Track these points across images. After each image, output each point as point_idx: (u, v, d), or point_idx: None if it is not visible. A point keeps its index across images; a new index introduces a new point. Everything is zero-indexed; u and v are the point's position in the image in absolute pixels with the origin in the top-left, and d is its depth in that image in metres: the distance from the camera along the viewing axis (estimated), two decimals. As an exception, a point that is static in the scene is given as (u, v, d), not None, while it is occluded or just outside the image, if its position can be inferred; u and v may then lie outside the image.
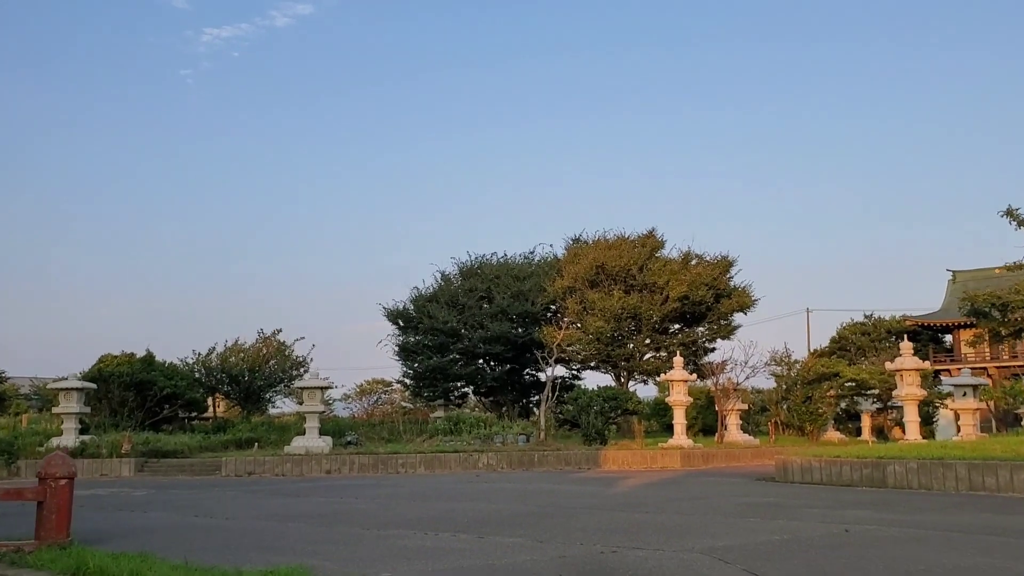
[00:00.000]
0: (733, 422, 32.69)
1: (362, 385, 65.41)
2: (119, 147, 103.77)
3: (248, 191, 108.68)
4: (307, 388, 29.04)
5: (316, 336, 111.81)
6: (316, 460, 26.70)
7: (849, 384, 36.25)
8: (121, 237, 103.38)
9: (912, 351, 25.95)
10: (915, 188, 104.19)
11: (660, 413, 38.08)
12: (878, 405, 41.47)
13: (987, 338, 42.10)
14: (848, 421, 41.02)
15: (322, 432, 30.15)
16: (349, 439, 30.00)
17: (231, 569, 8.04)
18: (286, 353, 37.82)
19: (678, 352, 31.90)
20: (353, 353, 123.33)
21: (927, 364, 28.21)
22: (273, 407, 40.26)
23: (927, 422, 35.97)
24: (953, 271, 54.96)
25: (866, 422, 41.62)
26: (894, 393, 25.92)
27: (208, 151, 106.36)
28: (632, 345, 38.40)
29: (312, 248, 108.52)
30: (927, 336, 54.27)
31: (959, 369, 36.09)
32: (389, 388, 59.89)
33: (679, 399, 28.64)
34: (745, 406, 34.33)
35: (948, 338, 54.77)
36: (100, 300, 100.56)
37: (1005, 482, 15.18)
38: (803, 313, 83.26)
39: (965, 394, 25.79)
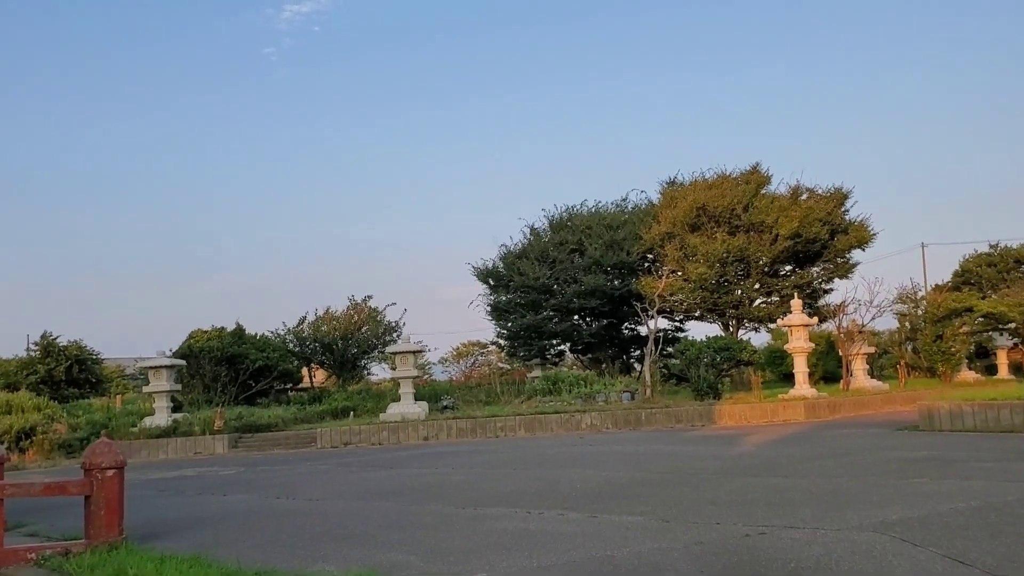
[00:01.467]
0: (859, 367, 30.15)
1: (458, 348, 64.71)
2: (208, 123, 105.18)
3: (333, 158, 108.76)
4: (399, 353, 27.89)
5: (410, 302, 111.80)
6: (412, 427, 25.57)
7: (982, 319, 33.12)
8: (204, 212, 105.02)
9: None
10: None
11: (775, 362, 35.69)
12: (1015, 340, 38.07)
13: None
14: (978, 359, 37.83)
15: (417, 397, 29.06)
16: (445, 403, 28.80)
17: (290, 573, 6.60)
18: (378, 319, 36.85)
19: (795, 295, 29.42)
20: (448, 317, 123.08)
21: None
22: (370, 374, 39.52)
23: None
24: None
25: (1003, 359, 38.30)
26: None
27: (287, 121, 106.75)
28: (740, 291, 35.96)
29: (402, 212, 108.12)
30: (1063, 264, 49.87)
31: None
32: (485, 350, 58.94)
33: (800, 346, 26.30)
34: (872, 349, 31.69)
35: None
36: (192, 277, 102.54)
37: None
38: (918, 248, 78.59)
39: None
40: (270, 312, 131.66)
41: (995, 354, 38.81)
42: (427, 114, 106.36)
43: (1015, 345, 39.21)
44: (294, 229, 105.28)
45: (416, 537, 8.24)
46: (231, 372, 30.67)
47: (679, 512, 8.51)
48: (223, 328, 32.62)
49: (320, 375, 38.77)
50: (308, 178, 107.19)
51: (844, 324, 30.23)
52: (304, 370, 37.57)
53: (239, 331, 32.60)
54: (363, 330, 36.29)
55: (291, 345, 35.41)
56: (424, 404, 27.71)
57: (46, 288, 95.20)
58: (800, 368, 26.43)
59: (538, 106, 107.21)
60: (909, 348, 33.76)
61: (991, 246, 52.01)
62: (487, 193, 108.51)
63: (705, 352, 26.70)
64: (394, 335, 36.23)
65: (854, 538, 6.62)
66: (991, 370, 38.47)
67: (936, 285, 49.07)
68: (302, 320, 36.32)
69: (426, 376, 59.05)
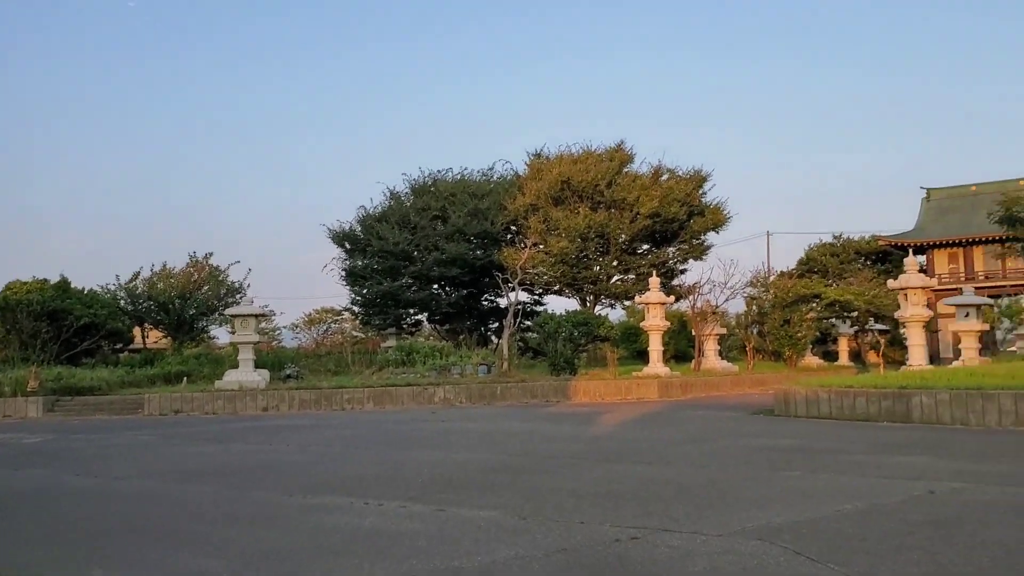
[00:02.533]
0: (711, 348, 30.37)
1: (310, 314, 62.19)
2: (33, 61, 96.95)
3: (179, 108, 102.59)
4: (239, 316, 25.87)
5: (266, 267, 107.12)
6: (251, 396, 23.77)
7: (830, 306, 34.11)
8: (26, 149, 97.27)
9: (916, 268, 23.54)
10: (886, 105, 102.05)
11: (629, 339, 35.70)
12: (856, 328, 39.61)
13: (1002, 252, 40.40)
14: (817, 345, 39.18)
15: (260, 365, 27.21)
16: (288, 372, 27.04)
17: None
18: (220, 279, 34.31)
19: (654, 272, 29.24)
20: (307, 284, 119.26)
21: (934, 281, 25.92)
22: (212, 338, 36.99)
23: (899, 345, 34.07)
24: (927, 189, 52.93)
25: (843, 346, 39.79)
26: (897, 314, 23.58)
27: (144, 67, 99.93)
28: (599, 267, 35.75)
29: (256, 173, 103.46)
30: (898, 257, 52.49)
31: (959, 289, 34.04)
32: (340, 317, 56.87)
33: (656, 323, 26.05)
34: (724, 330, 32.02)
35: (921, 259, 53.06)
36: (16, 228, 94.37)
37: (1066, 416, 12.79)
38: (764, 236, 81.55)
39: (968, 315, 23.55)
40: (101, 266, 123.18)
41: (836, 340, 40.29)
42: (289, 78, 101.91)
43: (856, 333, 40.83)
44: (141, 191, 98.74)
45: (229, 534, 6.87)
46: (53, 329, 27.73)
47: (538, 506, 7.49)
48: (45, 280, 29.48)
49: (154, 336, 35.88)
50: (181, 142, 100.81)
51: (698, 304, 30.34)
52: (136, 330, 34.67)
53: (63, 284, 29.52)
54: (204, 290, 33.74)
55: (123, 302, 32.48)
56: (265, 372, 25.89)
57: None
58: (655, 346, 26.22)
59: (406, 71, 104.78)
60: (755, 332, 34.39)
61: (835, 237, 54.20)
62: (352, 160, 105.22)
63: (564, 326, 26.07)
64: (237, 297, 33.90)
65: (740, 548, 5.73)
66: (829, 356, 39.93)
67: (781, 272, 50.75)
68: (135, 276, 33.40)
69: (275, 342, 56.38)
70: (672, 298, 29.48)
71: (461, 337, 36.67)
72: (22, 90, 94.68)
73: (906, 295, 22.34)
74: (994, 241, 47.94)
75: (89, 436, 17.08)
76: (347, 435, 15.47)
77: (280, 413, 22.86)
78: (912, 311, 22.14)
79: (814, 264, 51.86)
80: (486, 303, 40.50)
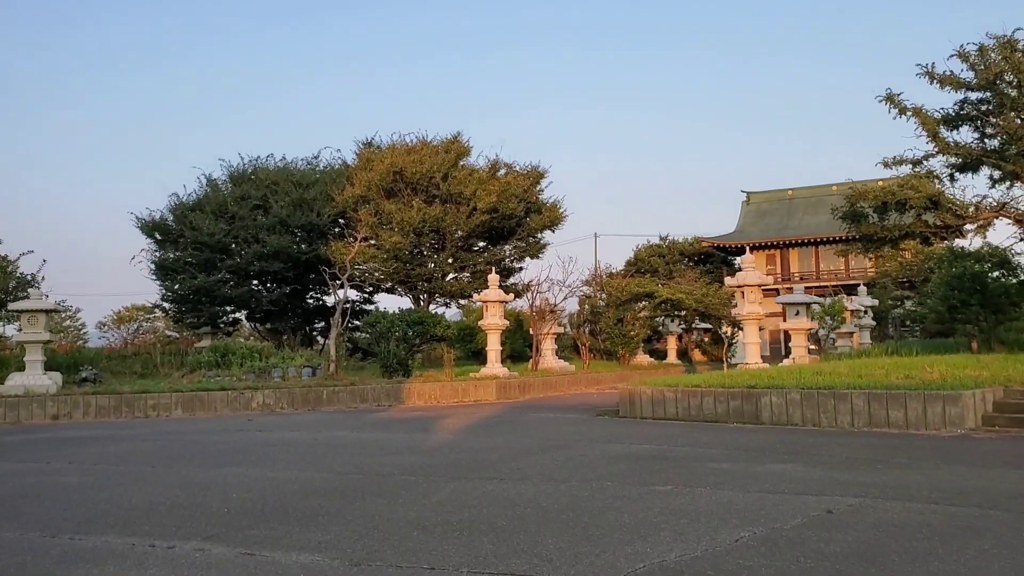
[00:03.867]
0: (548, 347, 29.64)
1: (119, 312, 57.59)
2: None
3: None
4: (26, 312, 22.61)
5: (70, 260, 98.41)
6: (40, 403, 20.75)
7: (661, 305, 34.27)
8: None
9: (753, 265, 23.63)
10: (707, 110, 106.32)
11: (465, 339, 34.52)
12: (683, 327, 40.21)
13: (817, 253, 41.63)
14: (644, 343, 39.55)
15: (53, 367, 24.02)
16: (85, 375, 23.99)
17: None
18: (8, 270, 30.23)
19: (492, 269, 28.13)
20: (116, 279, 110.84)
21: (770, 279, 26.22)
22: (2, 336, 32.61)
23: (720, 342, 34.78)
24: (747, 192, 54.97)
25: (672, 344, 40.31)
26: (735, 312, 23.59)
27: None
28: (433, 264, 34.36)
29: (63, 159, 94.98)
30: (719, 258, 54.26)
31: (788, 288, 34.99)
32: (152, 316, 52.75)
33: (495, 322, 24.92)
34: (561, 329, 31.43)
35: (739, 261, 55.03)
36: None
37: (916, 416, 12.54)
38: (592, 238, 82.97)
39: (798, 313, 23.90)
40: None
41: (665, 339, 40.78)
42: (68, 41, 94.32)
43: (684, 331, 41.49)
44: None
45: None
46: None
47: (374, 544, 6.00)
48: None
49: (-75, 334, 31.26)
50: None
51: (537, 302, 29.57)
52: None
53: None
54: (-10, 282, 29.64)
55: None
56: (57, 375, 22.78)
57: None
58: (493, 346, 25.13)
59: (231, 54, 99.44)
60: (586, 330, 34.07)
61: (661, 238, 55.35)
62: (166, 146, 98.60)
63: (397, 326, 24.49)
64: (29, 291, 29.98)
65: (638, 600, 4.49)
66: (656, 354, 40.39)
67: (610, 272, 51.29)
68: (-98, 263, 28.88)
69: (80, 342, 51.40)
70: (512, 296, 28.53)
71: (284, 337, 34.27)
72: None
73: (743, 293, 22.36)
74: (807, 244, 50.37)
75: None
76: (146, 448, 13.33)
77: (73, 421, 20.05)
78: (749, 308, 22.17)
79: (642, 264, 52.67)
80: (312, 301, 38.24)
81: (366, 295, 38.12)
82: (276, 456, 11.65)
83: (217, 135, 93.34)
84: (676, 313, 35.87)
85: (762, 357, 24.45)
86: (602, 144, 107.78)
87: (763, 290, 24.39)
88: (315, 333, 38.87)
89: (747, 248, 50.52)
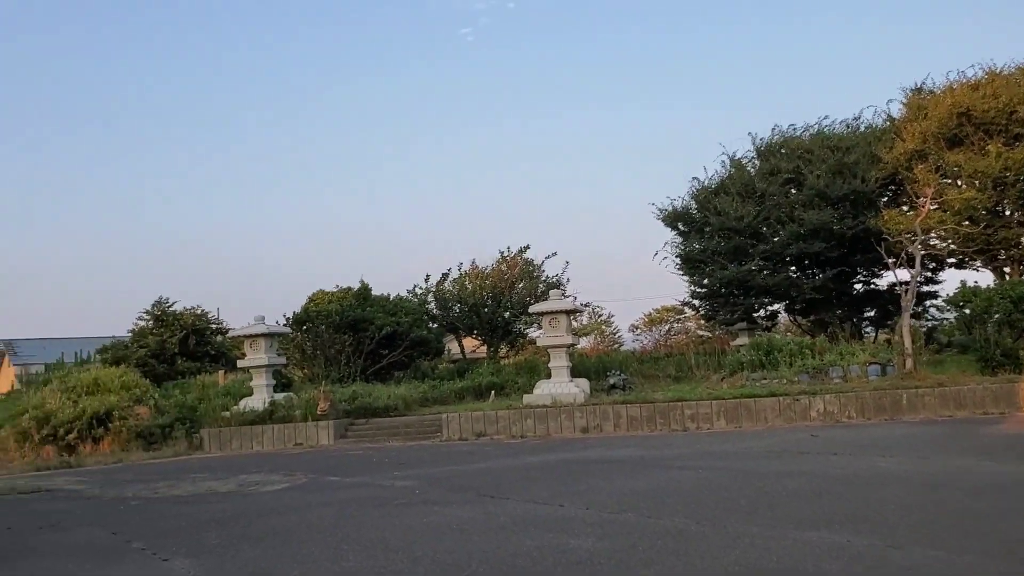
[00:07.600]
0: None
1: (650, 314, 57.17)
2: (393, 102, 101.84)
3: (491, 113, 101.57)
4: (546, 313, 20.89)
5: (606, 271, 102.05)
6: (567, 414, 18.72)
7: None
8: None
9: None
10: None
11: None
12: None
13: None
14: None
15: (579, 372, 22.17)
16: (613, 381, 21.57)
17: None
18: (534, 274, 29.78)
19: None
20: (643, 282, 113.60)
21: None
22: (530, 343, 32.71)
23: None
24: None
25: None
26: None
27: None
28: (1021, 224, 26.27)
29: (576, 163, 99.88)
30: None
31: None
32: (682, 316, 51.04)
33: None
34: None
35: None
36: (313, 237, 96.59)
37: None
38: None
39: None
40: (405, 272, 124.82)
41: None
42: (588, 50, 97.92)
43: None
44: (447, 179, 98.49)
45: None
46: (354, 341, 24.78)
47: None
48: (349, 288, 26.83)
49: (470, 344, 32.27)
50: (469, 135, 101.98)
51: None
52: (451, 337, 31.27)
53: (364, 291, 26.60)
54: (519, 287, 29.35)
55: (431, 307, 29.05)
56: (584, 382, 20.70)
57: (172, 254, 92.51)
58: None
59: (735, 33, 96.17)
60: None
61: None
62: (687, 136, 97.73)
63: (997, 303, 17.91)
64: (549, 292, 29.24)
65: None
66: None
67: None
68: (444, 277, 29.84)
69: (616, 345, 51.84)
70: None
71: (830, 330, 28.95)
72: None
73: None
74: None
75: (343, 480, 12.88)
76: (685, 483, 9.59)
77: (603, 436, 17.55)
78: None
79: None
80: (859, 285, 32.26)
81: (927, 274, 31.04)
82: (878, 507, 6.94)
83: (739, 111, 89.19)
84: None
85: None
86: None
87: None
88: (864, 324, 32.82)
89: None
